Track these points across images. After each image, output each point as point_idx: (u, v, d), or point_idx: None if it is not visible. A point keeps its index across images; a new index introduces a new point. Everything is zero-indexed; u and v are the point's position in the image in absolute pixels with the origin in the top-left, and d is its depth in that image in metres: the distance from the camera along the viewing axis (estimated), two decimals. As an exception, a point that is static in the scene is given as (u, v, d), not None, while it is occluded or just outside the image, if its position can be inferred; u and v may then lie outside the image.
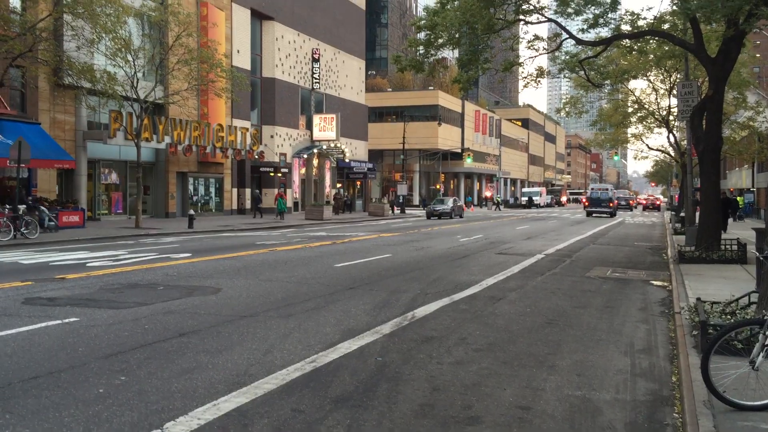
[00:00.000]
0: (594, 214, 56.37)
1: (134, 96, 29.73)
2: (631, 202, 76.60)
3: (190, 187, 41.36)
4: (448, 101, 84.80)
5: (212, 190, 43.70)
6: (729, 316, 8.32)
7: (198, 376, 6.66)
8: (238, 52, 44.32)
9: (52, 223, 26.43)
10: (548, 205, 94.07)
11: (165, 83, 34.27)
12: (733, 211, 29.63)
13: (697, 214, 21.31)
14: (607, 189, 61.23)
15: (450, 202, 49.00)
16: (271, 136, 48.35)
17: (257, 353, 7.62)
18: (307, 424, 5.45)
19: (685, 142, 27.52)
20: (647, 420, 5.77)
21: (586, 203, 60.37)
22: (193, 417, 5.50)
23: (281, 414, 5.65)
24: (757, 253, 8.46)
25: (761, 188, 48.89)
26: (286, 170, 49.66)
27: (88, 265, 15.80)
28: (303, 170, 53.51)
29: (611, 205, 57.65)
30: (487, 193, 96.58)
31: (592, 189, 62.69)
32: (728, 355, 6.44)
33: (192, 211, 32.12)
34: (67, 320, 9.21)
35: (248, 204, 45.09)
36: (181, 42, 30.60)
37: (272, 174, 48.29)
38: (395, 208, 58.12)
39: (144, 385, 6.35)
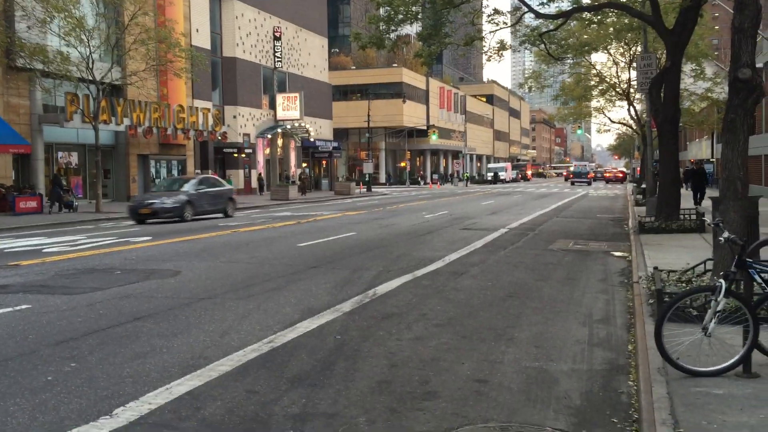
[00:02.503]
0: (575, 183, 75.38)
1: (90, 77, 29.04)
2: (605, 174, 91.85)
3: (152, 170, 40.68)
4: (413, 78, 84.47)
5: (175, 172, 43.02)
6: (685, 284, 8.40)
7: (151, 361, 6.52)
8: (197, 31, 43.49)
9: (76, 204, 30.42)
10: (514, 180, 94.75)
11: (122, 64, 33.49)
12: (701, 181, 28.77)
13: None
14: (585, 165, 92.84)
15: (188, 187, 25.82)
16: (234, 117, 47.72)
17: (214, 335, 7.50)
18: (261, 405, 5.37)
19: (646, 114, 27.78)
20: (602, 389, 5.80)
21: (571, 176, 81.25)
22: (144, 402, 5.38)
23: (235, 396, 5.56)
24: (708, 221, 8.56)
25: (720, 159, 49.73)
26: (249, 151, 49.12)
27: (44, 251, 15.45)
28: (267, 150, 53.00)
29: (589, 176, 79.14)
30: (458, 168, 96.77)
31: (575, 165, 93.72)
32: (683, 323, 6.49)
33: (154, 194, 31.52)
34: (18, 307, 8.97)
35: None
36: (137, 21, 29.94)
37: (236, 155, 47.74)
38: (361, 186, 57.93)
39: (94, 371, 6.20)
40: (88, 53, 28.46)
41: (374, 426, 4.96)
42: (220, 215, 26.64)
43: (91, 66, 28.72)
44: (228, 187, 29.29)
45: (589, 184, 75.90)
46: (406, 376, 6.12)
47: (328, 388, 5.75)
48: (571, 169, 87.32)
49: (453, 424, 4.98)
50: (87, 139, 33.71)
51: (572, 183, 76.63)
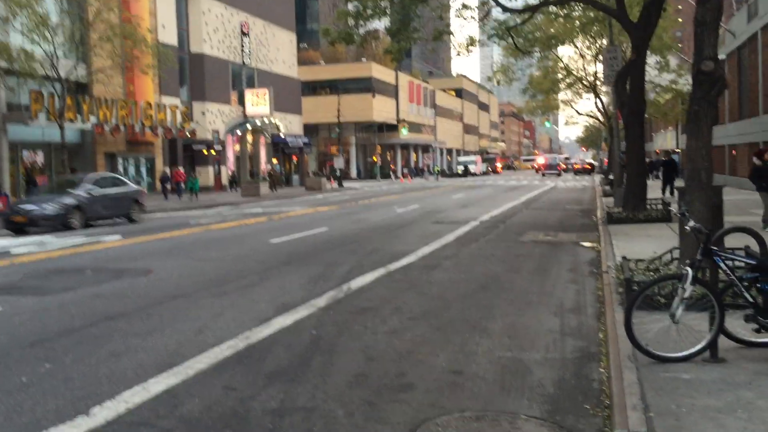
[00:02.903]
0: (546, 175, 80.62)
1: (55, 75, 28.60)
2: (574, 165, 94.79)
3: (120, 168, 40.12)
4: (382, 73, 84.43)
5: (143, 170, 42.55)
6: (652, 273, 8.57)
7: (127, 360, 6.51)
8: (164, 27, 42.98)
9: None
10: (484, 174, 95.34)
11: (87, 61, 33.01)
12: (671, 172, 28.67)
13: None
14: (555, 157, 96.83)
15: (79, 189, 22.20)
16: (203, 113, 47.30)
17: (189, 333, 7.50)
18: (239, 401, 5.40)
19: (612, 106, 28.16)
20: (575, 376, 5.93)
21: (542, 167, 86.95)
22: (121, 401, 5.38)
23: (213, 393, 5.58)
24: (673, 210, 8.76)
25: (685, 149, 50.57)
26: (219, 147, 48.74)
27: (12, 252, 15.23)
28: (237, 147, 52.62)
29: (558, 168, 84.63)
30: (428, 162, 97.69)
31: (546, 157, 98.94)
32: (651, 310, 6.65)
33: (122, 193, 31.17)
34: (-12, 310, 8.86)
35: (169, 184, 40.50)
36: (102, 17, 29.51)
37: (205, 152, 47.33)
38: (332, 181, 57.82)
39: (70, 371, 6.17)
40: (52, 50, 28.02)
41: (352, 419, 5.02)
42: (122, 220, 23.62)
43: (55, 63, 28.28)
44: (133, 188, 25.16)
45: (559, 175, 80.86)
46: (383, 369, 6.19)
47: (306, 383, 5.80)
48: (542, 161, 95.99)
49: (429, 415, 5.06)
50: (53, 137, 33.16)
51: (543, 174, 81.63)
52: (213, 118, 48.47)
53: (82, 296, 9.67)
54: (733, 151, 35.16)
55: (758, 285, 5.99)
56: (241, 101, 52.17)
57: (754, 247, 6.66)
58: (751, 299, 5.94)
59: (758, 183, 14.58)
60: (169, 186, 38.94)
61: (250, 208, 30.44)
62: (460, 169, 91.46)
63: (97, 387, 5.73)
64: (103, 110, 35.17)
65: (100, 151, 38.00)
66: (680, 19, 40.89)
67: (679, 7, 40.22)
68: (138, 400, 5.39)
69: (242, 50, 52.11)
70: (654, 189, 26.08)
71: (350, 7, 22.60)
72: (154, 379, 5.90)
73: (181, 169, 42.12)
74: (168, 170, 41.62)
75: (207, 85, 47.72)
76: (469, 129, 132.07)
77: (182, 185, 39.24)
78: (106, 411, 5.17)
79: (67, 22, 30.32)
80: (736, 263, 6.37)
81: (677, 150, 53.26)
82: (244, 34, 52.24)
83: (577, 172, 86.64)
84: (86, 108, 34.06)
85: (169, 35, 43.28)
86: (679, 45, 49.58)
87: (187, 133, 43.06)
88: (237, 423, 4.95)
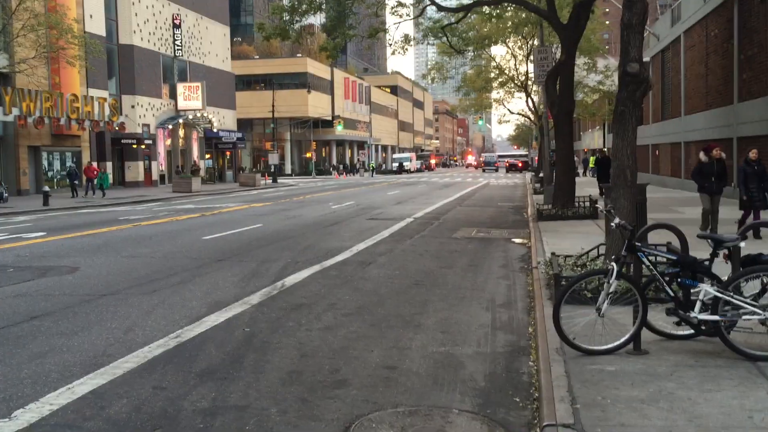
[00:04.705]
0: (485, 171, 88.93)
1: (-26, 65, 27.41)
2: (506, 162, 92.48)
3: (45, 162, 38.76)
4: (317, 69, 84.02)
5: (69, 164, 41.14)
6: (580, 268, 8.82)
7: (51, 360, 6.30)
8: (91, 17, 41.67)
9: (6, 195, 29.50)
10: (418, 170, 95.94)
11: (10, 51, 31.71)
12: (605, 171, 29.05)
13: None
14: (493, 155, 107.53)
15: None
16: (132, 106, 46.10)
17: (117, 332, 7.31)
18: (169, 400, 5.29)
19: (542, 105, 28.80)
20: (505, 370, 6.05)
21: (482, 165, 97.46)
22: (45, 403, 5.20)
23: (141, 393, 5.45)
24: (601, 207, 9.03)
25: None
26: (150, 141, 47.60)
27: (-74, 249, 14.51)
28: (168, 141, 51.50)
29: (496, 165, 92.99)
30: (363, 159, 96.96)
31: (484, 156, 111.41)
32: (579, 305, 6.83)
33: (47, 188, 30.19)
34: None
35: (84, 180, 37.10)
36: (25, 6, 28.42)
37: (135, 146, 46.14)
38: (267, 177, 57.21)
39: (-10, 373, 5.93)
40: (-29, 39, 26.85)
41: (286, 416, 4.99)
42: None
43: (-26, 52, 27.11)
44: None
45: (497, 170, 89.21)
46: (317, 365, 6.17)
47: (238, 381, 5.73)
48: (483, 159, 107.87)
49: (363, 411, 5.08)
50: (-29, 129, 31.79)
51: (483, 170, 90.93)
52: (143, 112, 47.29)
53: (3, 295, 9.30)
54: (656, 151, 36.44)
55: (679, 280, 6.23)
56: (173, 95, 51.09)
57: (676, 243, 6.93)
58: (672, 293, 6.18)
59: (700, 182, 13.92)
60: (77, 182, 36.72)
61: (181, 204, 29.85)
62: (395, 165, 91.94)
63: (19, 389, 5.52)
64: (26, 102, 33.89)
65: (23, 144, 36.60)
66: (607, 22, 42.15)
67: (606, 10, 41.50)
68: (63, 402, 5.22)
69: (174, 42, 51.00)
70: (582, 186, 26.77)
71: (285, 1, 22.41)
72: (80, 380, 5.73)
73: (94, 164, 39.34)
74: (74, 165, 38.84)
75: (137, 77, 46.51)
76: (404, 126, 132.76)
77: (93, 182, 36.40)
78: (29, 413, 4.99)
79: (-13, 9, 29.09)
80: (659, 259, 6.61)
81: (603, 149, 54.85)
82: (175, 26, 51.12)
83: (508, 169, 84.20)
84: (8, 99, 32.76)
85: (96, 26, 42.00)
86: (606, 47, 51.09)
87: (116, 127, 41.89)
88: (167, 423, 4.86)
